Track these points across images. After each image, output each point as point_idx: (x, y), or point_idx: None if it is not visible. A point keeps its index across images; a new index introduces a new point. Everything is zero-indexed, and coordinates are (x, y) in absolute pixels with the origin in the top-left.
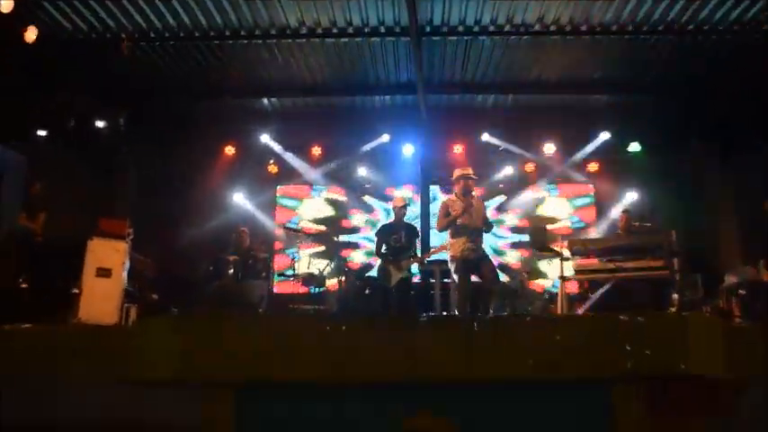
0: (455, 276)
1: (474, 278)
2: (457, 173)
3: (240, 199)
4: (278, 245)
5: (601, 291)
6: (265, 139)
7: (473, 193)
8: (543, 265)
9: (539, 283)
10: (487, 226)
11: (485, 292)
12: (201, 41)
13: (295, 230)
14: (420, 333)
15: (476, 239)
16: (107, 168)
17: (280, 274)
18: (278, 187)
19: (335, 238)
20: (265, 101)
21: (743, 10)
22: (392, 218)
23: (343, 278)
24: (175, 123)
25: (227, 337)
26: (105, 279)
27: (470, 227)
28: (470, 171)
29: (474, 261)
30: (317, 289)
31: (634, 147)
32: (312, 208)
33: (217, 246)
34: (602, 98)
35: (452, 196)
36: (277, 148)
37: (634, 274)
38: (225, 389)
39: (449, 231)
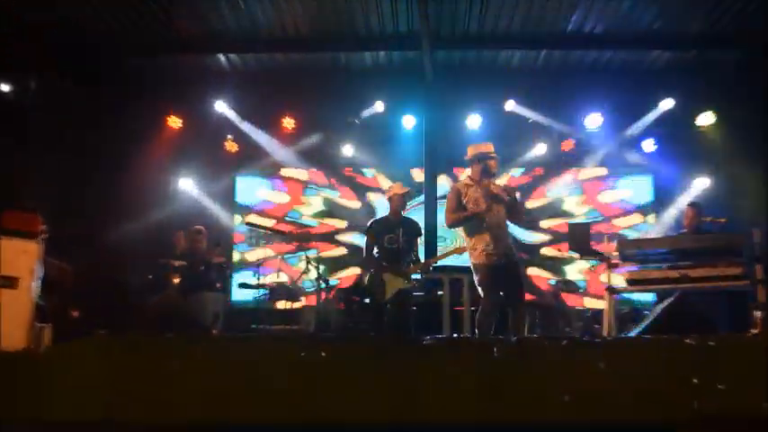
0: (480, 290)
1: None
2: (471, 150)
3: (189, 186)
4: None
5: (661, 306)
6: (221, 107)
7: (494, 178)
8: (573, 272)
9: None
10: (518, 217)
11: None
12: None
13: (261, 227)
14: (421, 362)
15: (503, 238)
16: (12, 146)
17: (241, 285)
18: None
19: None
20: (221, 58)
21: None
22: (387, 211)
23: (324, 290)
24: (103, 88)
25: (171, 367)
26: (10, 291)
27: (494, 222)
28: (490, 148)
29: (503, 268)
30: (289, 304)
31: (706, 118)
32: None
33: (158, 248)
34: (664, 55)
35: (466, 180)
36: (237, 119)
37: (704, 284)
38: None
39: (463, 229)
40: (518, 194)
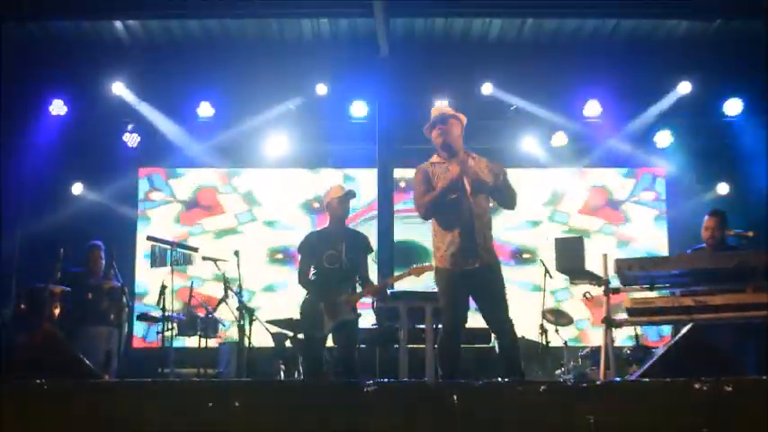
0: (441, 302)
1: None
2: (433, 113)
3: (78, 190)
4: (140, 267)
5: (669, 343)
6: (119, 89)
7: (468, 151)
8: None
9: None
10: (500, 198)
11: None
12: None
13: (166, 243)
14: (362, 414)
15: (478, 235)
16: None
17: (141, 317)
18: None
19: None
20: (118, 24)
21: None
22: (326, 222)
23: (247, 322)
24: None
25: (42, 424)
26: None
27: (467, 211)
28: (449, 109)
29: (474, 273)
30: (204, 341)
31: (732, 106)
32: None
33: (34, 268)
34: (680, 25)
35: (433, 158)
36: (139, 104)
37: (725, 315)
38: None
39: (432, 223)
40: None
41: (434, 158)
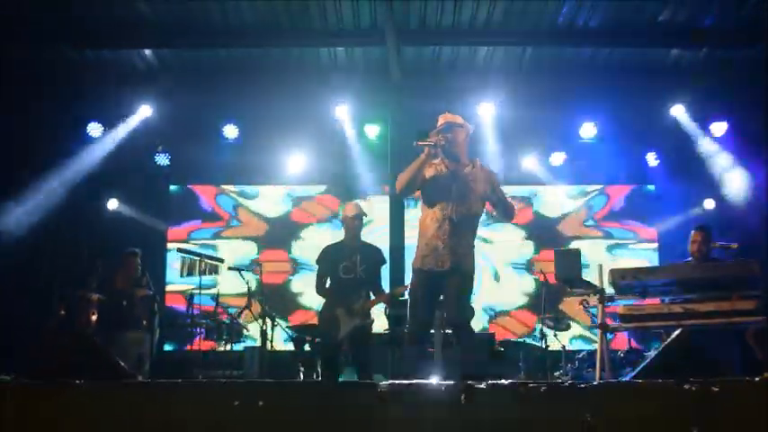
0: (410, 299)
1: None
2: (440, 120)
3: (113, 205)
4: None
5: (661, 346)
6: (148, 112)
7: (472, 159)
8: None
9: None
10: (504, 209)
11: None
12: None
13: (195, 254)
14: (377, 411)
15: (456, 236)
16: None
17: (171, 323)
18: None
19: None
20: (148, 53)
21: None
22: (342, 236)
23: (269, 327)
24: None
25: (80, 421)
26: None
27: (450, 205)
28: (457, 119)
29: (443, 275)
30: (229, 345)
31: (718, 128)
32: None
33: (73, 277)
34: (671, 53)
35: (437, 160)
36: (168, 127)
37: (712, 321)
38: None
39: (419, 219)
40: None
41: (437, 161)
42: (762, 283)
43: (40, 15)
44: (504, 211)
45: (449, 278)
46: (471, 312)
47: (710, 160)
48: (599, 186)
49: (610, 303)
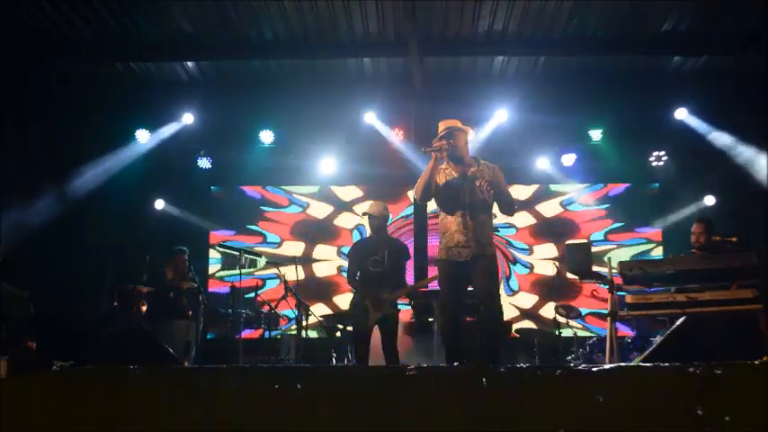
0: (446, 282)
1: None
2: (440, 127)
3: (160, 205)
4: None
5: (666, 333)
6: (190, 119)
7: (476, 157)
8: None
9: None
10: (503, 204)
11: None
12: None
13: (235, 250)
14: (406, 393)
15: (474, 228)
16: None
17: (214, 313)
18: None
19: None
20: (190, 65)
21: None
22: (369, 232)
23: (304, 316)
24: (59, 98)
25: (133, 403)
26: None
27: (464, 205)
28: (456, 123)
29: (467, 264)
30: (268, 333)
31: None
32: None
33: (124, 271)
34: (675, 60)
35: (443, 165)
36: (209, 133)
37: (713, 309)
38: None
39: (439, 217)
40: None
41: (443, 165)
42: (760, 272)
43: (93, 35)
44: (504, 206)
45: (474, 265)
46: (499, 297)
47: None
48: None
49: (618, 293)
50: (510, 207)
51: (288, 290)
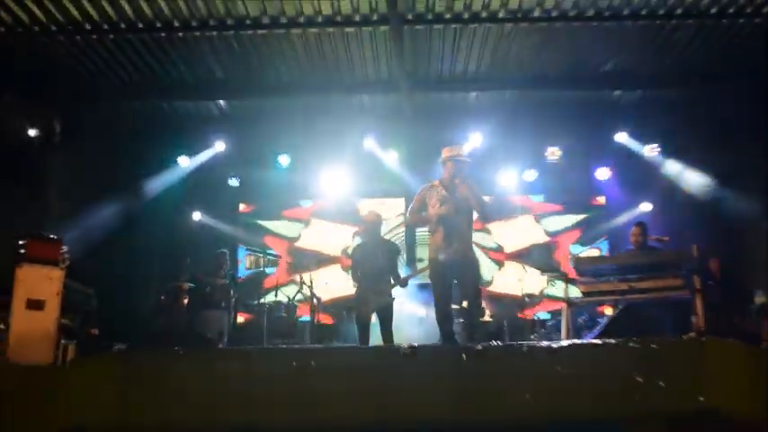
0: (438, 281)
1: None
2: (445, 152)
3: (198, 216)
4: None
5: (611, 315)
6: (222, 147)
7: (462, 179)
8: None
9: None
10: (481, 215)
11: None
12: (146, 34)
13: (258, 252)
14: (399, 367)
15: (458, 237)
16: (36, 182)
17: (244, 305)
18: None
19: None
20: (221, 103)
21: None
22: (367, 237)
23: (317, 307)
24: (114, 131)
25: (178, 378)
26: (37, 312)
27: (451, 220)
28: (463, 151)
29: (452, 265)
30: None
31: (651, 150)
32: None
33: (169, 271)
34: (616, 93)
35: (435, 182)
36: (237, 158)
37: (649, 295)
38: None
39: (429, 229)
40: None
41: (435, 182)
42: (686, 266)
43: (143, 79)
44: (482, 214)
45: (459, 265)
46: (479, 292)
47: (654, 171)
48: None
49: (573, 283)
50: (488, 215)
51: (302, 283)
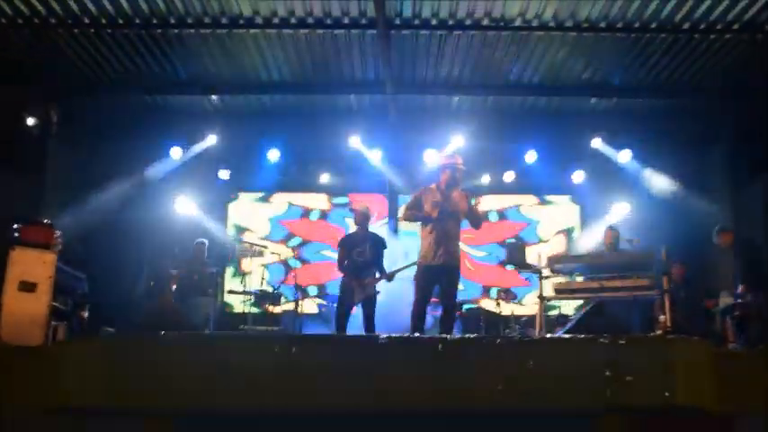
0: (414, 285)
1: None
2: (442, 160)
3: (187, 208)
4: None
5: (582, 312)
6: (213, 140)
7: (457, 187)
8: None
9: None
10: (472, 222)
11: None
12: (143, 29)
13: (246, 242)
14: (378, 356)
15: (447, 242)
16: (33, 169)
17: (230, 292)
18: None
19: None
20: (214, 98)
21: (741, 9)
22: (355, 228)
23: (301, 296)
24: (110, 121)
25: (164, 361)
26: (29, 294)
27: (443, 230)
28: (459, 160)
29: (439, 270)
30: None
31: (624, 155)
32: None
33: (159, 258)
34: (591, 101)
35: (432, 185)
36: (228, 151)
37: (619, 294)
38: (161, 420)
39: (419, 230)
40: (474, 201)
41: (432, 186)
42: (654, 266)
43: (140, 75)
44: (474, 222)
45: (444, 270)
46: (455, 304)
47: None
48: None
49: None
50: (480, 223)
51: (287, 273)
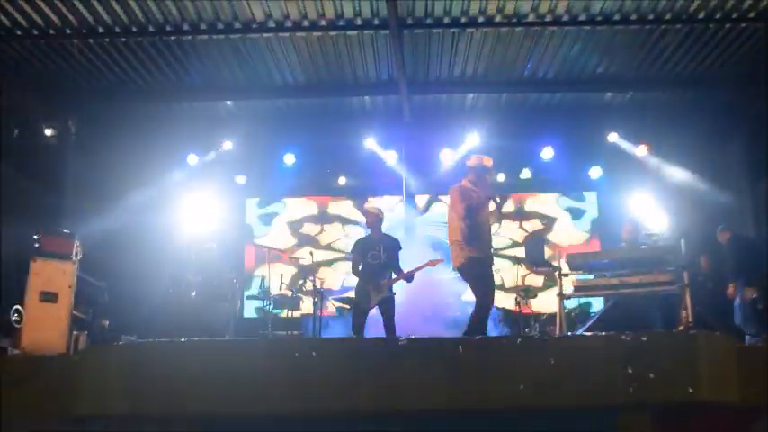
0: (480, 281)
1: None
2: (474, 160)
3: (205, 213)
4: (248, 263)
5: (602, 309)
6: (229, 145)
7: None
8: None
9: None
10: (498, 219)
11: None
12: (156, 37)
13: (263, 246)
14: (398, 358)
15: (489, 235)
16: (52, 180)
17: (249, 297)
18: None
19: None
20: (229, 103)
21: None
22: (368, 231)
23: (319, 300)
24: (126, 130)
25: (186, 367)
26: (50, 304)
27: (487, 223)
28: (490, 162)
29: (488, 265)
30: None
31: (642, 150)
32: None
33: (178, 265)
34: (606, 96)
35: (464, 182)
36: (244, 156)
37: (639, 290)
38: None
39: (461, 228)
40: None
41: (465, 183)
42: (675, 261)
43: (157, 83)
44: (497, 219)
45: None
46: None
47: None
48: None
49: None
50: (501, 219)
51: (305, 278)
